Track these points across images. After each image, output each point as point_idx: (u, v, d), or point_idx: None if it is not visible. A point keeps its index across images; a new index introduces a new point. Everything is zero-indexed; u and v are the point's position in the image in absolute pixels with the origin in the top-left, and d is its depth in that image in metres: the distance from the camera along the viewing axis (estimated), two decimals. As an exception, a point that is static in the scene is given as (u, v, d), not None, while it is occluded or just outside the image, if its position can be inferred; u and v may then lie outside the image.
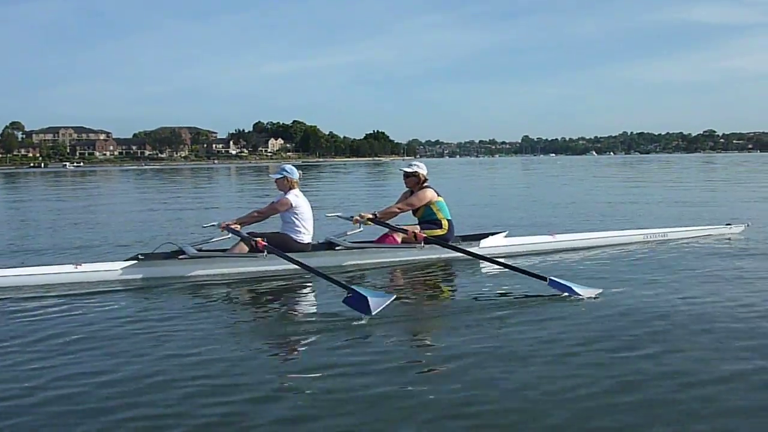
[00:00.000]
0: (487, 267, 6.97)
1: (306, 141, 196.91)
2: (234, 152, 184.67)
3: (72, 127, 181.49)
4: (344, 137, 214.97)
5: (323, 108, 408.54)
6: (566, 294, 5.52)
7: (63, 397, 3.52)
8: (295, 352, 4.39)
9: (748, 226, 9.20)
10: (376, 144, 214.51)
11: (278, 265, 6.77)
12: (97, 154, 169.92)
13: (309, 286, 6.48)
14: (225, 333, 4.76)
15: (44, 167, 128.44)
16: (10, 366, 4.05)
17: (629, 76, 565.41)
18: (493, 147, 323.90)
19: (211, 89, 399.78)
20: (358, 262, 7.22)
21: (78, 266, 6.68)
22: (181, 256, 6.90)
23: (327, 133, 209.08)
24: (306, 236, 7.19)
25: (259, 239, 6.74)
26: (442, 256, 7.38)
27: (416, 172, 7.64)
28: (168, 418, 3.24)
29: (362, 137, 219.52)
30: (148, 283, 6.55)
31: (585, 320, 4.82)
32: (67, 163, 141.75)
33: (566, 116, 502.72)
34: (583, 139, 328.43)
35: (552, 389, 3.50)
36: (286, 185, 7.27)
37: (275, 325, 5.16)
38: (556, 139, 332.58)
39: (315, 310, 5.69)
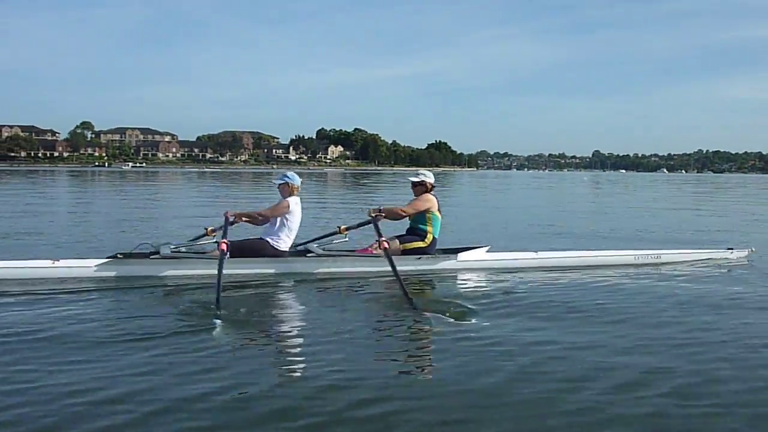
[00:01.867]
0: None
1: (365, 149, 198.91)
2: (293, 158, 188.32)
3: (138, 128, 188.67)
4: (407, 147, 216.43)
5: (388, 117, 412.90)
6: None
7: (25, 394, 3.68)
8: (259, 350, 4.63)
9: (752, 251, 8.83)
10: (437, 154, 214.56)
11: (244, 270, 7.11)
12: (159, 155, 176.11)
13: (272, 290, 6.68)
14: (166, 333, 4.92)
15: (107, 167, 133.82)
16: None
17: (707, 92, 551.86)
18: (563, 161, 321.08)
19: (279, 95, 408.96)
20: (328, 270, 7.34)
21: (56, 261, 7.02)
22: (153, 256, 7.19)
23: (390, 142, 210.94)
24: (284, 244, 7.37)
25: (223, 242, 6.88)
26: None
27: (423, 181, 7.90)
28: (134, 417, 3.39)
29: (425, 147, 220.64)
30: (120, 281, 6.81)
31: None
32: (130, 163, 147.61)
33: (639, 132, 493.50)
34: (656, 155, 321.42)
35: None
36: (287, 191, 7.53)
37: (230, 327, 5.25)
38: (628, 155, 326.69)
39: (275, 312, 5.96)
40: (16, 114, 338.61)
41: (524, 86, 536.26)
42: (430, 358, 4.53)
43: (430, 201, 7.76)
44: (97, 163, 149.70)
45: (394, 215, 7.76)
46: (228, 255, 6.85)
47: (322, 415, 3.45)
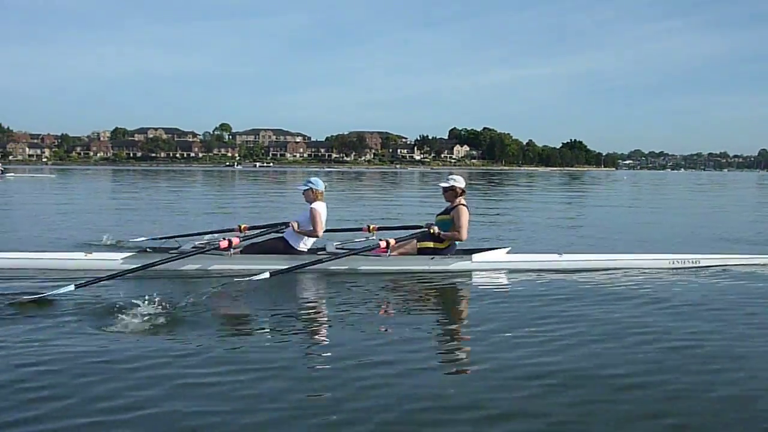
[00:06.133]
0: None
1: (492, 148, 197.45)
2: (417, 158, 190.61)
3: (272, 129, 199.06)
4: (544, 146, 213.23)
5: (533, 117, 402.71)
6: None
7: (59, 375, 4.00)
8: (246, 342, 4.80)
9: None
10: (569, 153, 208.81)
11: (252, 265, 7.34)
12: (287, 155, 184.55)
13: (274, 286, 6.86)
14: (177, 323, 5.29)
15: (235, 166, 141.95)
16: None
17: None
18: (723, 160, 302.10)
19: (428, 96, 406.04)
20: (339, 267, 7.50)
21: (88, 254, 7.74)
22: (172, 251, 7.74)
23: (525, 141, 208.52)
24: (304, 246, 7.74)
25: (234, 239, 7.42)
26: (410, 267, 7.53)
27: (453, 186, 7.89)
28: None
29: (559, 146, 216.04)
30: (144, 273, 7.32)
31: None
32: (258, 163, 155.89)
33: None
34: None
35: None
36: (311, 196, 7.85)
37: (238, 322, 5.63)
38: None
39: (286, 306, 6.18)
40: (170, 116, 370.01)
41: (684, 82, 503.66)
42: (422, 360, 4.50)
43: (467, 216, 7.75)
44: (227, 164, 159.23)
45: (448, 238, 7.73)
46: (232, 251, 7.37)
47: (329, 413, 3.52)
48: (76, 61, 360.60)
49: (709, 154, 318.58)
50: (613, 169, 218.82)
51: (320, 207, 7.74)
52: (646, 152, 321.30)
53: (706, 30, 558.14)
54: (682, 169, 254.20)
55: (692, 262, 7.90)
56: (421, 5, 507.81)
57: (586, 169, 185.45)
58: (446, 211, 7.91)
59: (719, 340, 4.90)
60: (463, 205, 7.82)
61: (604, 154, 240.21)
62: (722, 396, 3.81)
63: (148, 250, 7.89)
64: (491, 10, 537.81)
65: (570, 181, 60.18)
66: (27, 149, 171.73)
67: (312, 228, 7.69)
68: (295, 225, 7.72)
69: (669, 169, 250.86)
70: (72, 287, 5.95)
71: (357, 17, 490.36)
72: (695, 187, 50.06)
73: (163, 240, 8.18)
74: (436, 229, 7.67)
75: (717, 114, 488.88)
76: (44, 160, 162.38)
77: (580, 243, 10.93)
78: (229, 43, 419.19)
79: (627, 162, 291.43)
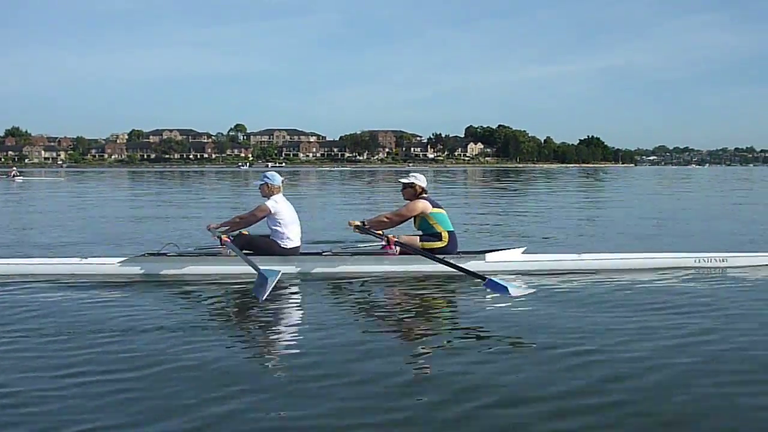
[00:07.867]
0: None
1: (506, 146, 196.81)
2: (431, 156, 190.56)
3: (285, 130, 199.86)
4: (562, 143, 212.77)
5: (559, 114, 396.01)
6: (499, 294, 5.79)
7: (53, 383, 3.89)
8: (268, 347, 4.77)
9: None
10: (585, 150, 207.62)
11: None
12: (300, 155, 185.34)
13: (282, 289, 6.63)
14: (188, 327, 5.16)
15: (247, 167, 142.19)
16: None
17: None
18: (750, 155, 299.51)
19: (448, 95, 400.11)
20: (341, 270, 7.28)
21: (84, 259, 7.54)
22: (170, 253, 7.49)
23: (543, 139, 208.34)
24: (291, 242, 7.43)
25: (224, 236, 7.21)
26: (424, 268, 7.18)
27: (412, 183, 7.62)
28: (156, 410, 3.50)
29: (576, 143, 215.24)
30: (142, 278, 7.19)
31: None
32: (270, 163, 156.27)
33: None
34: None
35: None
36: (267, 191, 7.61)
37: (247, 322, 5.54)
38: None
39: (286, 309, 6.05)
40: (188, 118, 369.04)
41: (716, 77, 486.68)
42: (440, 361, 4.39)
43: (418, 207, 7.44)
44: (239, 164, 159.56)
45: (379, 225, 7.53)
46: (229, 252, 7.18)
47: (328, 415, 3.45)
48: (100, 63, 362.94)
49: (735, 149, 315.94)
50: (632, 165, 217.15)
51: (272, 202, 7.44)
52: (671, 148, 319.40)
53: (734, 24, 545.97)
54: (707, 165, 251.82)
55: (719, 261, 7.53)
56: (453, 3, 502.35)
57: (602, 165, 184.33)
58: None
59: (750, 343, 4.61)
60: (423, 199, 7.50)
61: (623, 150, 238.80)
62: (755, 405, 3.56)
63: (147, 255, 7.62)
64: (522, 8, 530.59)
65: (578, 178, 59.70)
66: (43, 152, 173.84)
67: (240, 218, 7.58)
68: (212, 225, 7.57)
69: (694, 165, 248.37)
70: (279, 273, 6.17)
71: (385, 17, 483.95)
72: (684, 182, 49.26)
73: (168, 245, 7.86)
74: (355, 222, 7.46)
75: (744, 108, 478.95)
76: (59, 162, 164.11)
77: (599, 242, 10.57)
78: (254, 44, 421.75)
79: (651, 158, 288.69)
